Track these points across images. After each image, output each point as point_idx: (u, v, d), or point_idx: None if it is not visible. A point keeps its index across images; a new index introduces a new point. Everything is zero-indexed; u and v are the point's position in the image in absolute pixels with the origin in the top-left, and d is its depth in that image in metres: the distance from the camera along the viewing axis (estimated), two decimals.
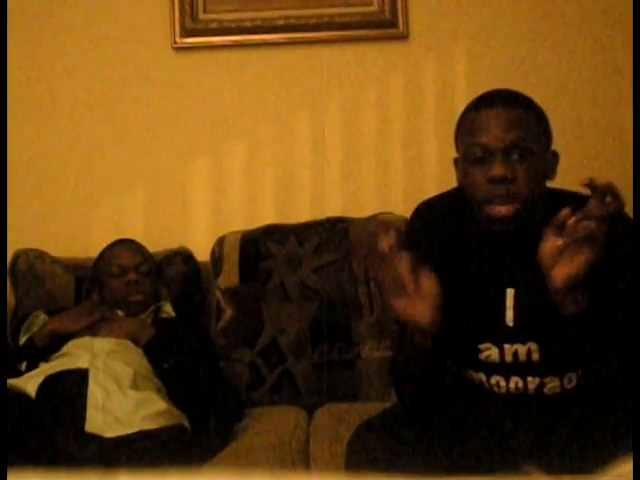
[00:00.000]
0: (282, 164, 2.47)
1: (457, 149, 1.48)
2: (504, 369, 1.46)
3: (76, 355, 1.88)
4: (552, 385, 1.45)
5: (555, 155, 1.47)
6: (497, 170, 1.36)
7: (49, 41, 2.46)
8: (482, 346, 1.47)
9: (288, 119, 2.47)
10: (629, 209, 1.46)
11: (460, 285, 1.48)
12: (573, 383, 1.45)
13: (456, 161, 1.49)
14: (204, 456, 1.73)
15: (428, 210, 1.56)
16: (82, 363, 1.84)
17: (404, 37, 2.44)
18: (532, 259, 1.42)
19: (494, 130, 1.38)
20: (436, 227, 1.52)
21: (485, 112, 1.40)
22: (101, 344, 1.92)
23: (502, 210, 1.38)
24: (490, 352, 1.47)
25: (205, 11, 2.45)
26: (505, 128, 1.38)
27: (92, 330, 1.99)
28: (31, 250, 2.30)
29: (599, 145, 2.44)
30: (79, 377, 1.79)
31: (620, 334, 1.36)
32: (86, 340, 1.95)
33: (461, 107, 1.48)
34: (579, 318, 1.35)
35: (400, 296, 1.34)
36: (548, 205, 1.42)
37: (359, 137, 2.47)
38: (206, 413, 1.89)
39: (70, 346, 1.94)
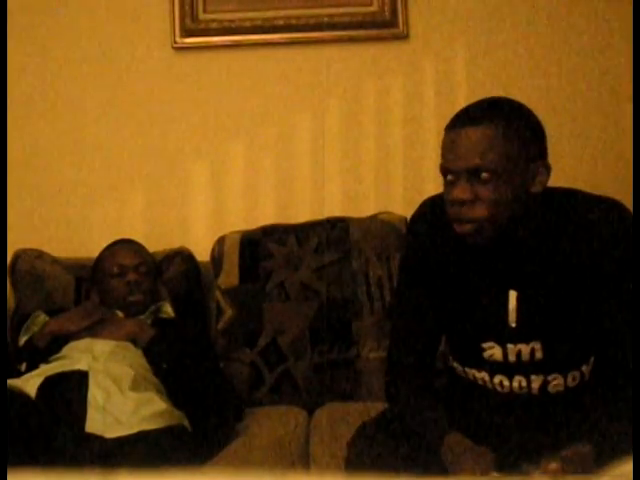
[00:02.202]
0: (282, 164, 2.47)
1: None
2: (507, 369, 1.46)
3: (76, 358, 1.88)
4: (556, 383, 1.45)
5: (545, 167, 1.40)
6: (456, 193, 1.39)
7: (49, 41, 2.46)
8: (485, 345, 1.47)
9: (288, 119, 2.47)
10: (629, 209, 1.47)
11: (463, 285, 1.49)
12: (576, 381, 1.45)
13: None
14: (204, 456, 1.73)
15: (432, 208, 1.56)
16: (82, 366, 1.83)
17: (404, 37, 2.44)
18: (534, 261, 1.42)
19: (459, 153, 1.38)
20: (439, 226, 1.52)
21: (454, 133, 1.40)
22: (101, 347, 1.92)
23: (462, 228, 1.41)
24: (493, 351, 1.47)
25: (205, 11, 2.45)
26: (468, 150, 1.37)
27: (92, 331, 1.99)
28: (31, 250, 2.30)
29: (599, 145, 2.44)
30: (79, 378, 1.79)
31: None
32: (86, 342, 1.94)
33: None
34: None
35: None
36: (544, 206, 1.42)
37: (359, 137, 2.47)
38: (206, 413, 1.89)
39: (70, 348, 1.93)
